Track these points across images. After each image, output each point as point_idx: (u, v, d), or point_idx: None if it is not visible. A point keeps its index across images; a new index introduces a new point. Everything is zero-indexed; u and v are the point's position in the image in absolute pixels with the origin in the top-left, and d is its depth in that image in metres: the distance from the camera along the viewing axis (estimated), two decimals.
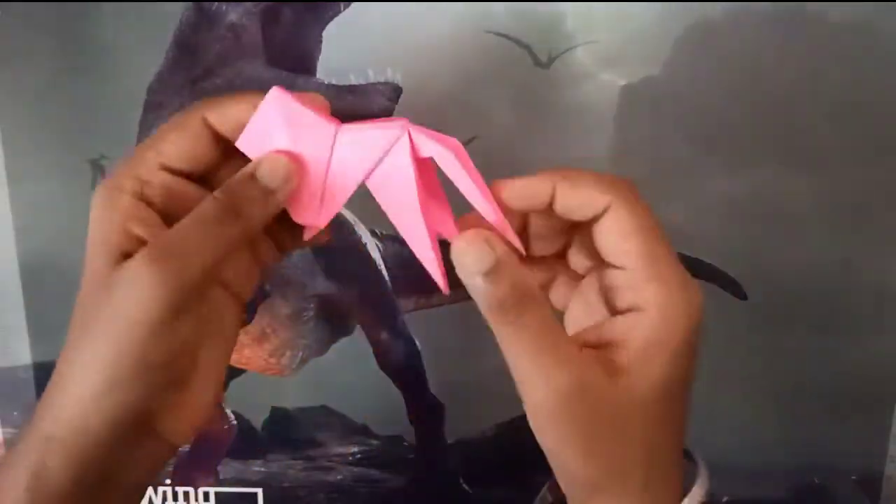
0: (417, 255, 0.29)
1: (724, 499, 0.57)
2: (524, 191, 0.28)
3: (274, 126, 0.28)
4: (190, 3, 0.50)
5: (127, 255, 0.27)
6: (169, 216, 0.28)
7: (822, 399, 0.55)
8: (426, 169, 0.28)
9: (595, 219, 0.27)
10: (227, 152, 0.29)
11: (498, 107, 0.50)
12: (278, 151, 0.28)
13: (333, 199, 0.29)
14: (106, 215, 0.27)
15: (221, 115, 0.28)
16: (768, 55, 0.49)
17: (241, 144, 0.28)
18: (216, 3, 0.49)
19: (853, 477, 0.56)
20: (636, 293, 0.27)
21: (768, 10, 0.48)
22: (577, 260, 0.30)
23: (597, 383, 0.26)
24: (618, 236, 0.27)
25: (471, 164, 0.28)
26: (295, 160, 0.28)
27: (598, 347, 0.27)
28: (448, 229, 0.29)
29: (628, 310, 0.27)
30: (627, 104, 0.50)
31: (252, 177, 0.28)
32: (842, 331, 0.54)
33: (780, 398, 0.55)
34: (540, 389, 0.26)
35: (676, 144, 0.51)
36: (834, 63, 0.49)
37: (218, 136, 0.28)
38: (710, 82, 0.49)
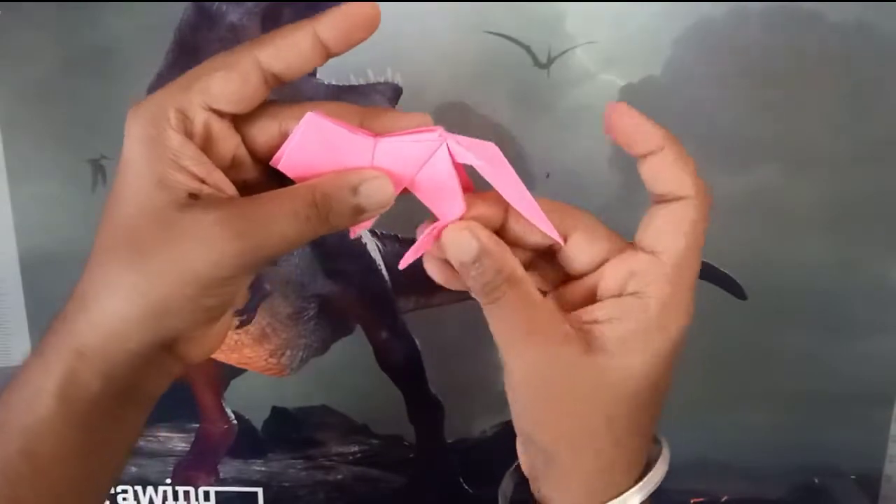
0: None
1: (724, 498, 0.57)
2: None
3: (313, 148, 0.28)
4: (190, 4, 0.50)
5: (192, 195, 0.27)
6: (210, 155, 0.28)
7: (822, 399, 0.55)
8: (459, 167, 0.29)
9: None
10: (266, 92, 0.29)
11: (498, 107, 0.50)
12: (378, 170, 0.28)
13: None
14: (155, 150, 0.26)
15: (275, 55, 0.27)
16: (768, 55, 0.49)
17: (284, 167, 0.28)
18: (217, 4, 0.49)
19: (853, 477, 0.56)
20: (648, 284, 0.28)
21: (768, 10, 0.48)
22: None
23: (569, 358, 0.28)
24: (673, 170, 0.29)
25: (507, 166, 0.29)
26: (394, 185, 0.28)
27: (592, 323, 0.29)
28: None
29: (631, 294, 0.28)
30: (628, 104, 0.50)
31: (354, 192, 0.28)
32: (842, 331, 0.54)
33: (779, 398, 0.55)
34: (511, 361, 0.29)
35: None
36: (834, 63, 0.49)
37: (266, 77, 0.28)
38: (710, 82, 0.49)
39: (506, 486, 0.33)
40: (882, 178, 0.51)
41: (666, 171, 0.29)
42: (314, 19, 0.28)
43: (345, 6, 0.28)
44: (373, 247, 0.56)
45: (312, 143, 0.28)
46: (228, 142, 0.28)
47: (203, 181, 0.27)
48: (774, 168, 0.51)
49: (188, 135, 0.27)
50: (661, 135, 0.29)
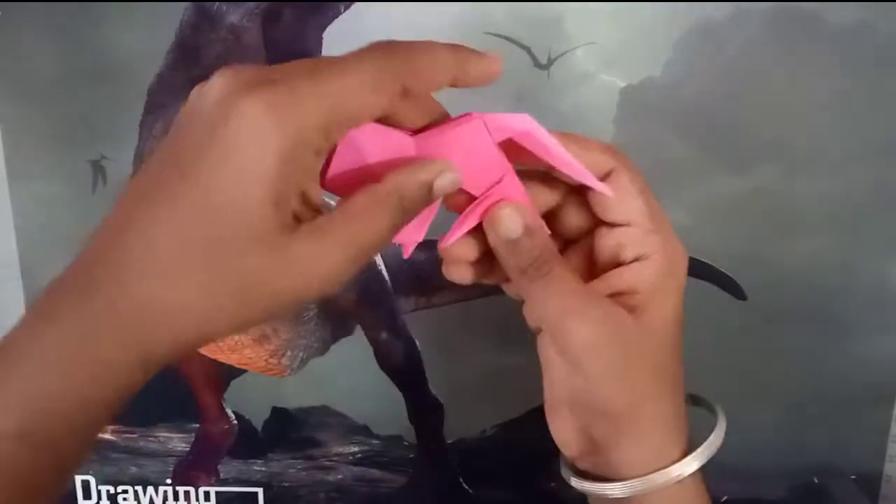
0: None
1: (724, 498, 0.57)
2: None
3: (357, 159, 0.28)
4: (190, 4, 0.50)
5: (296, 218, 0.25)
6: None
7: (822, 399, 0.55)
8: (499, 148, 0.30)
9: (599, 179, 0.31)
10: None
11: (498, 108, 0.50)
12: (449, 162, 0.28)
13: (426, 210, 0.29)
14: (289, 171, 0.24)
15: (420, 80, 0.27)
16: (768, 55, 0.49)
17: (331, 185, 0.28)
18: (217, 4, 0.49)
19: (852, 477, 0.56)
20: (643, 244, 0.30)
21: (768, 10, 0.48)
22: (572, 221, 0.33)
23: (625, 319, 0.30)
24: (625, 198, 0.30)
25: (545, 132, 0.30)
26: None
27: (611, 295, 0.31)
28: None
29: (634, 260, 0.31)
30: (627, 105, 0.50)
31: (429, 188, 0.28)
32: (842, 331, 0.54)
33: (779, 398, 0.55)
34: (580, 326, 0.30)
35: (676, 144, 0.51)
36: (834, 63, 0.49)
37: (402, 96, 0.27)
38: (710, 83, 0.49)
39: (566, 474, 0.33)
40: (882, 178, 0.51)
41: (582, 158, 0.30)
42: (461, 53, 0.28)
43: (492, 57, 0.29)
44: None
45: (355, 154, 0.28)
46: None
47: (308, 198, 0.26)
48: (774, 168, 0.51)
49: (318, 152, 0.26)
50: (557, 137, 0.30)
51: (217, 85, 0.25)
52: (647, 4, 0.48)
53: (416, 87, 0.27)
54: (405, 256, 0.31)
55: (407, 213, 0.28)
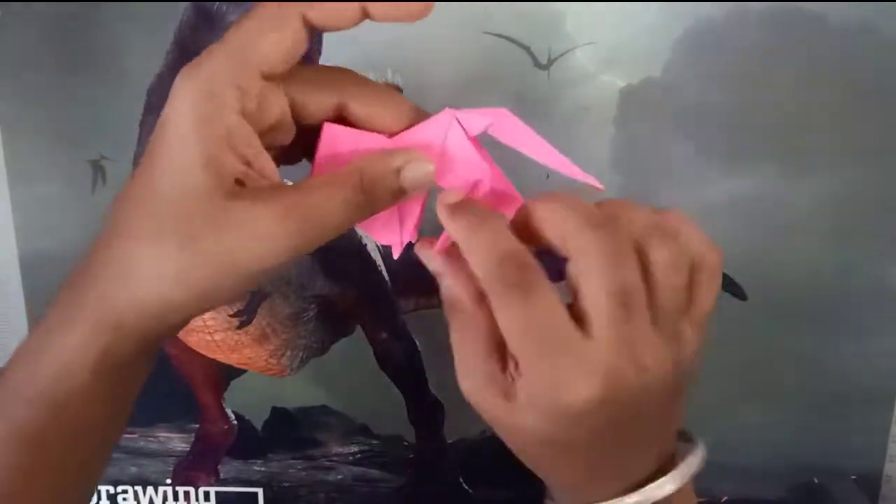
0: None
1: (724, 499, 0.57)
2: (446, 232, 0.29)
3: (335, 164, 0.28)
4: (190, 4, 0.50)
5: (239, 182, 0.26)
6: (255, 124, 0.27)
7: (822, 399, 0.55)
8: (476, 143, 0.30)
9: None
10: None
11: (498, 106, 0.50)
12: (421, 152, 0.28)
13: (411, 210, 0.29)
14: (209, 128, 0.25)
15: (323, 10, 0.26)
16: (768, 55, 0.49)
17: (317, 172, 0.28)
18: (217, 4, 0.49)
19: (853, 477, 0.56)
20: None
21: (768, 10, 0.48)
22: None
23: (490, 399, 0.28)
24: (589, 304, 0.26)
25: (522, 124, 0.29)
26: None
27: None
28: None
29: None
30: (627, 105, 0.50)
31: (396, 173, 0.27)
32: (842, 331, 0.54)
33: (780, 398, 0.55)
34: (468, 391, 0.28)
35: (676, 144, 0.51)
36: (834, 63, 0.49)
37: (310, 35, 0.27)
38: (710, 83, 0.49)
39: None
40: (882, 178, 0.51)
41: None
42: None
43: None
44: (373, 247, 0.56)
45: (334, 150, 0.28)
46: (275, 107, 0.27)
47: (250, 164, 0.26)
48: (774, 168, 0.51)
49: (243, 112, 0.26)
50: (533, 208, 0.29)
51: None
52: (647, 4, 0.48)
53: (319, 18, 0.26)
54: (395, 257, 0.30)
55: (368, 195, 0.27)
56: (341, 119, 0.28)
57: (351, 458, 0.60)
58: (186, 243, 0.26)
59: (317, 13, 0.26)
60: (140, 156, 0.54)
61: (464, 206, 0.28)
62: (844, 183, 0.51)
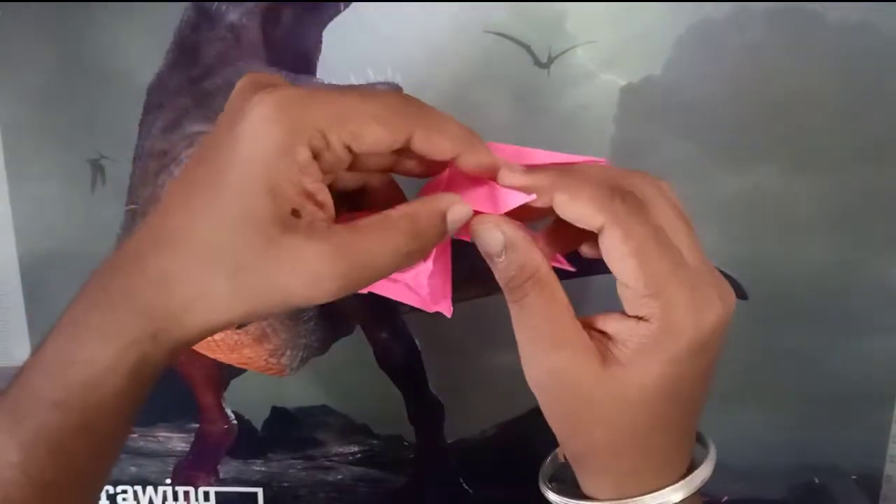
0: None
1: (724, 498, 0.57)
2: (526, 187, 0.29)
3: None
4: (190, 4, 0.50)
5: (295, 213, 0.26)
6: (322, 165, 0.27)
7: (822, 399, 0.55)
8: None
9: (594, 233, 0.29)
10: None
11: (498, 107, 0.50)
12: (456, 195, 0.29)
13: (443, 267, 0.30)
14: (282, 158, 0.25)
15: (427, 139, 0.28)
16: (768, 55, 0.49)
17: None
18: (216, 3, 0.49)
19: (853, 477, 0.56)
20: (639, 306, 0.28)
21: (768, 10, 0.48)
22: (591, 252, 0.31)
23: (587, 368, 0.28)
24: (614, 258, 0.28)
25: (512, 148, 0.30)
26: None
27: (604, 334, 0.29)
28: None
29: (634, 316, 0.28)
30: (627, 104, 0.50)
31: (443, 218, 0.28)
32: (842, 331, 0.54)
33: (779, 398, 0.55)
34: (532, 368, 0.29)
35: (676, 144, 0.51)
36: (834, 63, 0.49)
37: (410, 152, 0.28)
38: (710, 82, 0.49)
39: (546, 471, 0.33)
40: (882, 178, 0.51)
41: (569, 211, 0.29)
42: (472, 137, 0.28)
43: (496, 158, 0.29)
44: None
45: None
46: (343, 161, 0.28)
47: (311, 197, 0.27)
48: (774, 168, 0.51)
49: (316, 155, 0.26)
50: (549, 178, 0.29)
51: (241, 84, 0.27)
52: (648, 4, 0.48)
53: (420, 142, 0.27)
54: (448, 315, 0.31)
55: (419, 240, 0.28)
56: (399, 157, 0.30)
57: (351, 458, 0.60)
58: (235, 273, 0.26)
59: (421, 137, 0.27)
60: (140, 155, 0.54)
61: (540, 168, 0.29)
62: (844, 183, 0.51)
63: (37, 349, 0.28)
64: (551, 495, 0.32)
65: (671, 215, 0.29)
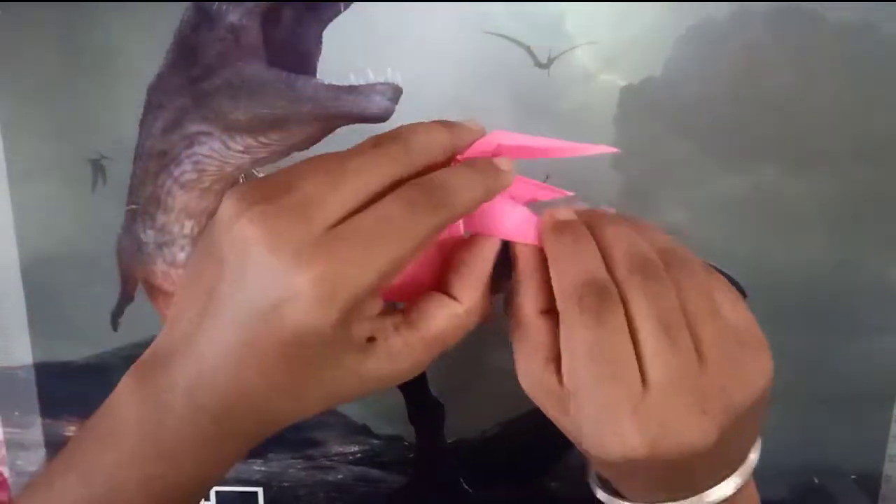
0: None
1: None
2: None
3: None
4: (190, 4, 0.50)
5: (370, 339, 0.29)
6: None
7: (822, 399, 0.55)
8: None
9: None
10: None
11: (498, 107, 0.50)
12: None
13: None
14: (346, 321, 0.27)
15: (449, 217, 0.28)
16: (768, 55, 0.49)
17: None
18: (217, 4, 0.49)
19: (853, 477, 0.56)
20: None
21: (768, 10, 0.48)
22: None
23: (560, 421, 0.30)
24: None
25: (518, 135, 0.31)
26: None
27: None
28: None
29: None
30: (628, 105, 0.50)
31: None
32: (842, 331, 0.54)
33: (779, 398, 0.55)
34: (524, 378, 0.31)
35: (676, 144, 0.51)
36: (834, 63, 0.49)
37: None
38: (710, 83, 0.49)
39: (592, 483, 0.33)
40: (882, 178, 0.51)
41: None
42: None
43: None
44: None
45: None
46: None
47: (371, 318, 0.28)
48: (774, 168, 0.51)
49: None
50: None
51: (230, 211, 0.26)
52: (648, 5, 0.48)
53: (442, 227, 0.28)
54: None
55: (473, 315, 0.31)
56: None
57: (351, 458, 0.60)
58: (320, 398, 0.30)
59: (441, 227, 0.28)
60: (140, 154, 0.54)
61: (568, 227, 0.30)
62: (844, 183, 0.51)
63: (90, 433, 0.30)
64: (600, 493, 0.32)
65: (690, 294, 0.29)
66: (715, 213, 0.52)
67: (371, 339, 0.28)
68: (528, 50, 0.49)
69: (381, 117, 0.46)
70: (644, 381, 0.27)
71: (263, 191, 0.26)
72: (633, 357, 0.27)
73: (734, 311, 0.30)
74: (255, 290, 0.25)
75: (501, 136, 0.31)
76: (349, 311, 0.26)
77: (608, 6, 0.49)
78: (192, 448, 0.28)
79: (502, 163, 0.30)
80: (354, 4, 0.49)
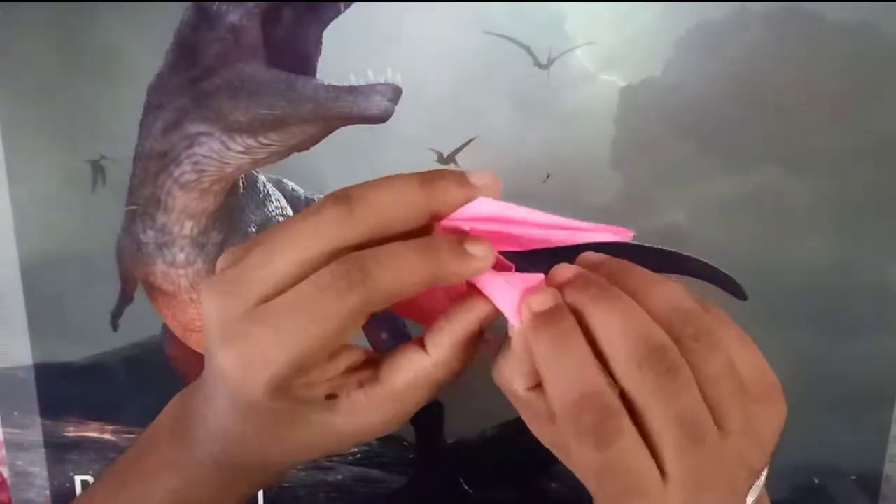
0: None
1: None
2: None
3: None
4: (190, 4, 0.50)
5: (330, 397, 0.29)
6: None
7: (822, 399, 0.55)
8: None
9: None
10: None
11: (498, 107, 0.50)
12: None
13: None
14: (280, 394, 0.27)
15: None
16: (768, 55, 0.49)
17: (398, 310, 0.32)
18: (217, 4, 0.49)
19: (853, 477, 0.56)
20: None
21: (768, 10, 0.48)
22: None
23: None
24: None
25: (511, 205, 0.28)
26: None
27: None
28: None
29: None
30: (627, 105, 0.50)
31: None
32: (842, 331, 0.54)
33: None
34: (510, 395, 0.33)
35: (676, 145, 0.51)
36: (834, 63, 0.49)
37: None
38: (710, 83, 0.49)
39: None
40: (882, 178, 0.51)
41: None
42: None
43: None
44: None
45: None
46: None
47: (331, 379, 0.29)
48: (774, 168, 0.51)
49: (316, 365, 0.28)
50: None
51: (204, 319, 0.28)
52: (648, 5, 0.48)
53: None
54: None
55: (445, 369, 0.31)
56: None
57: (351, 458, 0.60)
58: (271, 452, 0.30)
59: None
60: (140, 155, 0.54)
61: (552, 320, 0.26)
62: (844, 183, 0.51)
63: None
64: None
65: (709, 379, 0.26)
66: (715, 214, 0.52)
67: (332, 397, 0.29)
68: (528, 50, 0.49)
69: (381, 118, 0.47)
70: (663, 473, 0.25)
71: (233, 255, 0.27)
72: (649, 465, 0.25)
73: (748, 359, 0.28)
74: (210, 358, 0.28)
75: (497, 207, 0.27)
76: (278, 387, 0.26)
77: (608, 6, 0.49)
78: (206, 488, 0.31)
79: (476, 248, 0.26)
80: (354, 4, 0.49)
